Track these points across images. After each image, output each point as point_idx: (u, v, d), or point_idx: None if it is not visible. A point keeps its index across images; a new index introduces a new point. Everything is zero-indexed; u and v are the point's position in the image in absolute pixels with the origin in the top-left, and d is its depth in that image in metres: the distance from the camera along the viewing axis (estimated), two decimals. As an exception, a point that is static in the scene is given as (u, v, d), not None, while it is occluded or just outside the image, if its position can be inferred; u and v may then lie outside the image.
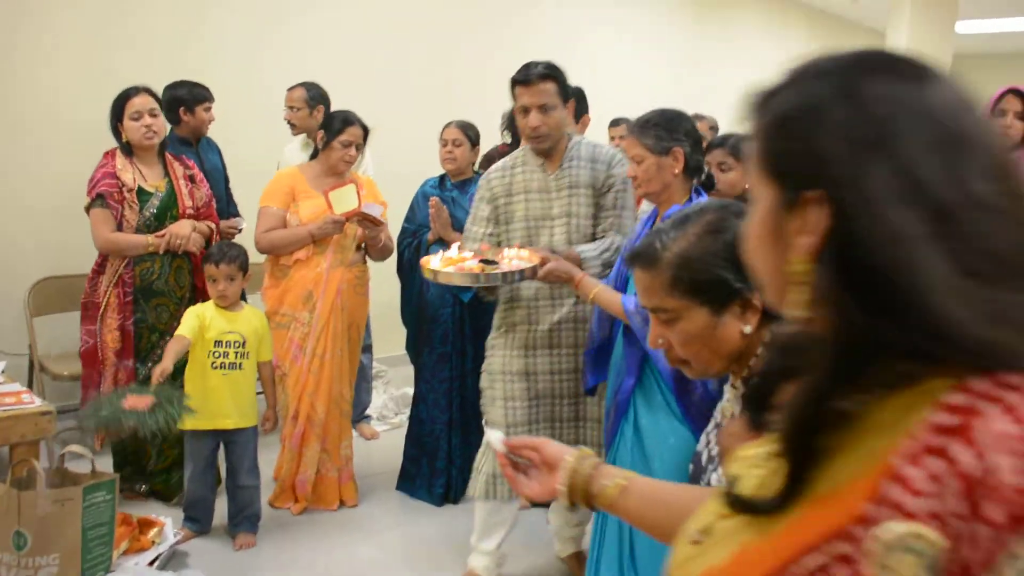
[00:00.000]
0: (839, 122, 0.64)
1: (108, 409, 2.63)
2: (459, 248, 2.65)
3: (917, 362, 0.61)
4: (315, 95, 4.21)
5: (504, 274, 2.38)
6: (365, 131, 3.43)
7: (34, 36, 3.97)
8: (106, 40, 4.15)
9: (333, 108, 3.96)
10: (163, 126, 3.23)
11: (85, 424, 2.85)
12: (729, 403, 1.34)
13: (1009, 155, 0.65)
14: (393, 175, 4.24)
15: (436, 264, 2.45)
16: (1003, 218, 0.62)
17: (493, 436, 1.28)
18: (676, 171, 2.27)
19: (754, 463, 0.73)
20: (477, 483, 2.76)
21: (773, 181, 0.69)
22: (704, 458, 1.35)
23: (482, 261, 2.47)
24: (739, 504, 0.71)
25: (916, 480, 0.57)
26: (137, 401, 2.63)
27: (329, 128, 3.38)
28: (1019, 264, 0.61)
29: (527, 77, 2.61)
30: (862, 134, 0.63)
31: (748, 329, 1.22)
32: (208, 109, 3.96)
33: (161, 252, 3.14)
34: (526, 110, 2.61)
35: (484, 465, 2.75)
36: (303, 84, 4.22)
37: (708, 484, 1.29)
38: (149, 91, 3.21)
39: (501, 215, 2.75)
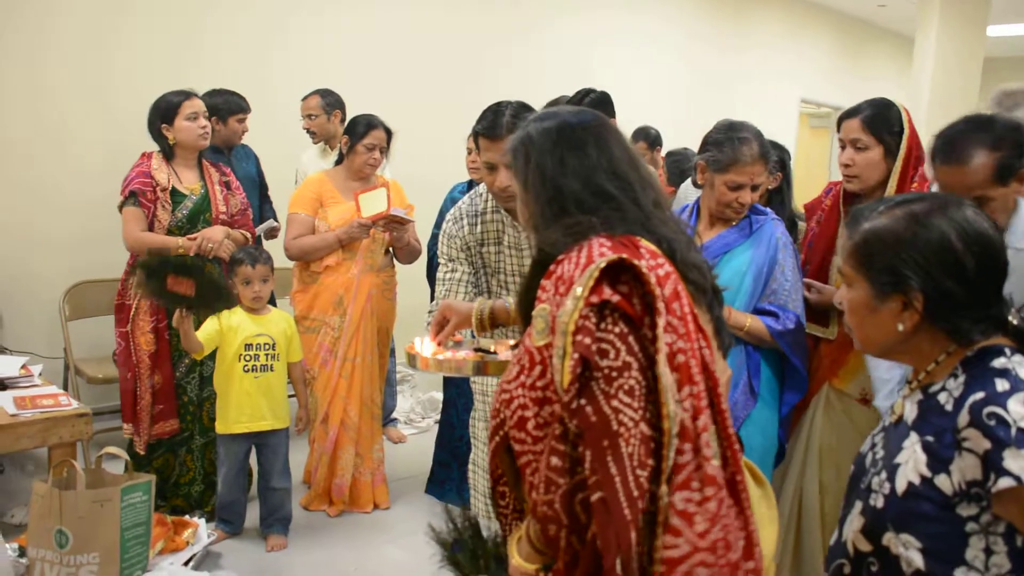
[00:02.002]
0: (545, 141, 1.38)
1: (154, 281, 2.76)
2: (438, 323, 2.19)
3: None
4: (330, 101, 4.27)
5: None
6: (388, 134, 3.45)
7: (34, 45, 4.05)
8: (108, 45, 4.22)
9: (353, 114, 3.99)
10: (210, 130, 3.28)
11: (137, 279, 2.91)
12: (900, 404, 1.33)
13: (635, 160, 1.38)
14: (415, 180, 4.27)
15: (427, 351, 1.87)
16: (631, 185, 1.34)
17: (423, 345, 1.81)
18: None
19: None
20: (477, 503, 2.63)
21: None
22: (868, 461, 1.35)
23: (477, 350, 1.94)
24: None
25: (545, 286, 1.27)
26: (179, 285, 2.74)
27: (353, 132, 3.40)
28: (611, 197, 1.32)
29: (493, 131, 2.22)
30: (562, 146, 1.36)
31: (901, 327, 1.24)
32: (242, 120, 4.01)
33: (191, 255, 3.14)
34: (491, 167, 2.25)
35: (477, 483, 2.63)
36: (317, 91, 4.28)
37: (868, 487, 1.29)
38: (197, 95, 3.26)
39: (475, 261, 2.43)
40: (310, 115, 4.27)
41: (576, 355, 1.16)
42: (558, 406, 1.19)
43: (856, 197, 2.42)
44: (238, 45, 4.64)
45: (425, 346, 1.87)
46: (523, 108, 2.27)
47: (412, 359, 1.85)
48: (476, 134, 2.30)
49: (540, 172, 1.35)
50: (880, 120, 2.31)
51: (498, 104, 2.30)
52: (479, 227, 2.40)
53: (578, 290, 1.19)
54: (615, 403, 1.15)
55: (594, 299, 1.18)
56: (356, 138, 3.38)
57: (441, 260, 2.48)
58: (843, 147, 2.38)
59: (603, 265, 1.19)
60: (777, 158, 2.82)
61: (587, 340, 1.16)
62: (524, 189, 1.38)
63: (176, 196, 3.17)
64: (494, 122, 2.24)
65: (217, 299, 2.90)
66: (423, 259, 3.74)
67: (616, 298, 1.19)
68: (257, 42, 4.72)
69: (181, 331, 2.89)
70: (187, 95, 3.21)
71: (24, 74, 3.99)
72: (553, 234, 1.31)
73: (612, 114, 3.44)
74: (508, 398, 1.27)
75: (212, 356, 3.12)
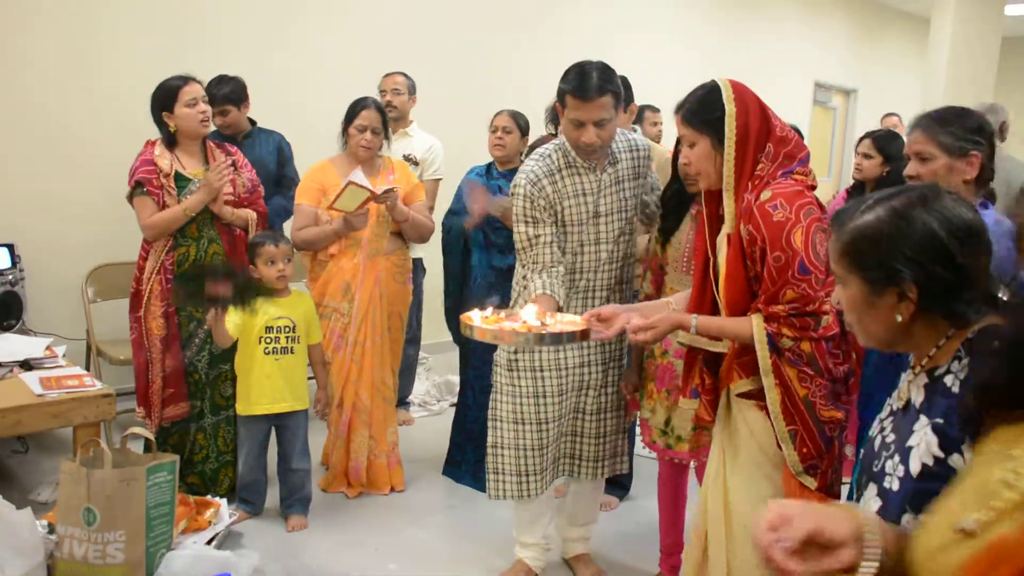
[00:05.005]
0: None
1: (193, 289, 2.93)
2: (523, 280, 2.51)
3: None
4: (412, 84, 4.31)
5: (558, 335, 1.98)
6: (382, 113, 3.41)
7: (98, 31, 4.07)
8: (175, 37, 4.27)
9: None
10: (210, 115, 3.24)
11: (175, 293, 3.08)
12: (905, 389, 1.34)
13: None
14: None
15: (478, 322, 2.02)
16: None
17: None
18: (968, 177, 2.03)
19: None
20: (503, 485, 2.66)
21: None
22: (877, 444, 1.36)
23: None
24: None
25: None
26: (216, 288, 2.87)
27: (346, 116, 3.39)
28: None
29: (584, 93, 2.37)
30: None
31: (899, 318, 1.27)
32: (224, 113, 3.90)
33: (195, 212, 3.12)
34: (580, 123, 2.41)
35: (505, 465, 2.67)
36: (400, 72, 4.32)
37: (882, 470, 1.30)
38: (196, 79, 3.21)
39: (556, 220, 2.56)
40: (396, 90, 4.24)
41: None
42: None
43: (713, 194, 2.13)
44: (243, 37, 4.66)
45: (480, 318, 2.02)
46: (607, 68, 2.43)
47: (469, 330, 1.98)
48: (563, 93, 2.42)
49: None
50: (697, 111, 2.04)
51: (580, 65, 2.43)
52: (558, 183, 2.54)
53: None
54: None
55: None
56: (347, 120, 3.37)
57: (518, 222, 2.56)
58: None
59: None
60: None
61: None
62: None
63: (180, 181, 3.15)
64: (583, 83, 2.37)
65: (255, 293, 2.95)
66: (437, 238, 3.74)
67: None
68: (261, 36, 4.72)
69: (213, 329, 2.95)
70: (185, 80, 3.16)
71: (68, 46, 4.01)
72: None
73: (631, 98, 3.44)
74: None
75: None
